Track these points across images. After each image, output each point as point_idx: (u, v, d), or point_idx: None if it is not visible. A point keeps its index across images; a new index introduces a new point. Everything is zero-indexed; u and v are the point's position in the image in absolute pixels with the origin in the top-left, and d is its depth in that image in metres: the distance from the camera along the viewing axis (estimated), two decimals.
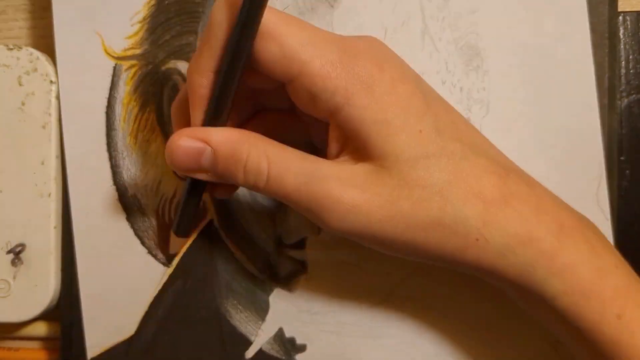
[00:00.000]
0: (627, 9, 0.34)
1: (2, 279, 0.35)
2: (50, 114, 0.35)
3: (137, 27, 0.35)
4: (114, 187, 0.35)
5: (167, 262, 0.35)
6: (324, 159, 0.27)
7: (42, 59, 0.36)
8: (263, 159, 0.26)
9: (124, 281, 0.35)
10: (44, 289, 0.35)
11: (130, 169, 0.36)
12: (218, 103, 0.27)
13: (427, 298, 0.33)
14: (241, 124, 0.31)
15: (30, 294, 0.35)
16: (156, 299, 0.35)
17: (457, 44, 0.34)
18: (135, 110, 0.35)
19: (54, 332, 0.37)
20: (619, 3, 0.34)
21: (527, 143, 0.33)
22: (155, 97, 0.35)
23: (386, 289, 0.34)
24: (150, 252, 0.35)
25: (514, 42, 0.33)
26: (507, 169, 0.27)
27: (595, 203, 0.33)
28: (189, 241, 0.35)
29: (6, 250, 0.35)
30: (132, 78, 0.35)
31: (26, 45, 0.36)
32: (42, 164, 0.35)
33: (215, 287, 0.35)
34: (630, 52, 0.34)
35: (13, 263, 0.35)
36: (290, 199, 0.27)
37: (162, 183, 0.35)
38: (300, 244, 0.34)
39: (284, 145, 0.27)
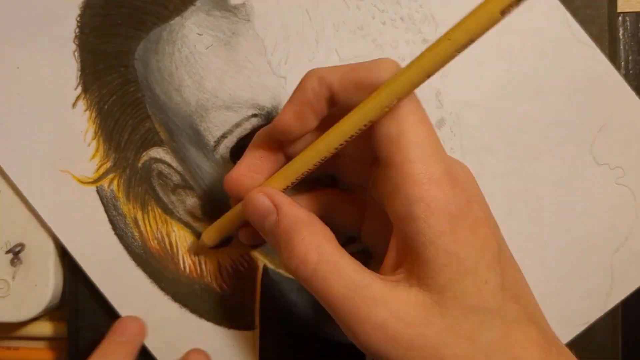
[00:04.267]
0: (627, 10, 0.35)
1: (1, 279, 0.35)
2: None
3: (94, 144, 0.35)
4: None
5: None
6: (376, 276, 0.25)
7: None
8: (314, 251, 0.26)
9: None
10: (43, 289, 0.35)
11: (163, 272, 0.35)
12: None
13: None
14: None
15: (30, 293, 0.35)
16: None
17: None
18: (140, 214, 0.35)
19: (55, 331, 0.37)
20: (619, 4, 0.34)
21: None
22: (149, 193, 0.35)
23: None
24: None
25: None
26: (550, 343, 0.26)
27: None
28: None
29: (5, 250, 0.35)
30: (118, 189, 0.35)
31: None
32: None
33: None
34: (630, 52, 0.35)
35: (12, 263, 0.35)
36: (329, 306, 0.25)
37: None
38: None
39: (341, 248, 0.26)
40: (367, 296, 0.24)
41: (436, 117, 0.34)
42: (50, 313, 0.37)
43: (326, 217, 0.29)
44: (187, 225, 0.35)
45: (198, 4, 0.35)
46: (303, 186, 0.30)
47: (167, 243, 0.35)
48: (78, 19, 0.35)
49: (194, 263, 0.35)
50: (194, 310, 0.35)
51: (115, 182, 0.35)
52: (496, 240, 0.25)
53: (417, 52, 0.34)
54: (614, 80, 0.34)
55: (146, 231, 0.35)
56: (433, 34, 0.34)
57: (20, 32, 0.35)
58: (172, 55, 0.35)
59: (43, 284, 0.35)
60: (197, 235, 0.35)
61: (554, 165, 0.34)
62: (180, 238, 0.35)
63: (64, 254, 0.36)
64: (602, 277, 0.34)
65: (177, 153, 0.35)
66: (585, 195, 0.34)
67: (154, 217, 0.35)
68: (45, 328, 0.38)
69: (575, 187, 0.34)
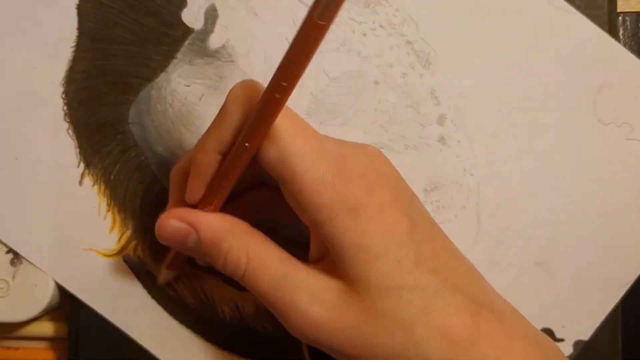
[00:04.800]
0: (627, 10, 0.35)
1: (1, 279, 0.35)
2: None
3: (109, 216, 0.35)
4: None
5: None
6: (302, 265, 0.27)
7: None
8: (243, 254, 0.27)
9: None
10: (43, 289, 0.35)
11: (206, 324, 0.36)
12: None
13: None
14: (234, 196, 0.32)
15: (30, 293, 0.35)
16: None
17: None
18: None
19: (55, 331, 0.38)
20: (619, 4, 0.34)
21: None
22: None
23: None
24: None
25: None
26: (480, 305, 0.26)
27: None
28: None
29: (5, 250, 0.35)
30: (144, 254, 0.35)
31: None
32: None
33: None
34: (630, 52, 0.35)
35: (12, 263, 0.35)
36: (261, 298, 0.27)
37: None
38: None
39: (268, 241, 0.28)
40: (290, 285, 0.26)
41: (436, 114, 0.34)
42: (50, 313, 0.37)
43: (267, 219, 0.31)
44: (218, 274, 0.35)
45: (179, 55, 0.35)
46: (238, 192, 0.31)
47: (202, 295, 0.35)
48: (63, 96, 0.35)
49: (232, 309, 0.35)
50: (244, 354, 0.35)
51: (140, 247, 0.35)
52: (407, 218, 0.26)
53: (403, 55, 0.35)
54: (602, 40, 0.34)
55: (180, 288, 0.35)
56: (415, 34, 0.34)
57: (11, 121, 0.35)
58: (165, 112, 0.35)
59: (43, 284, 0.35)
60: (227, 281, 0.35)
61: (561, 136, 0.34)
62: (214, 287, 0.35)
63: None
64: (633, 236, 0.34)
65: None
66: (599, 158, 0.34)
67: (185, 275, 0.35)
68: (45, 328, 0.37)
69: (588, 152, 0.34)
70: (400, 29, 0.34)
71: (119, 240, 0.35)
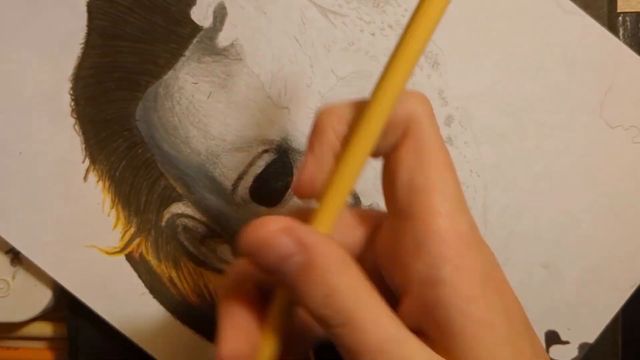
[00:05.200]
0: (627, 10, 0.35)
1: (1, 279, 0.35)
2: None
3: (113, 213, 0.35)
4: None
5: None
6: (410, 332, 0.21)
7: None
8: (351, 298, 0.20)
9: None
10: (43, 289, 0.36)
11: (210, 324, 0.35)
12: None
13: None
14: None
15: (29, 293, 0.35)
16: None
17: None
18: (174, 272, 0.35)
19: (55, 331, 0.37)
20: (619, 4, 0.35)
21: None
22: (179, 250, 0.35)
23: None
24: None
25: None
26: None
27: None
28: None
29: (5, 250, 0.36)
30: (147, 252, 0.35)
31: None
32: None
33: None
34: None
35: (12, 263, 0.36)
36: (354, 357, 0.20)
37: None
38: None
39: (377, 293, 0.21)
40: (405, 354, 0.20)
41: (443, 115, 0.34)
42: (50, 313, 0.37)
43: None
44: (222, 272, 0.35)
45: (187, 53, 0.35)
46: None
47: (207, 294, 0.35)
48: (71, 92, 0.35)
49: None
50: None
51: (143, 245, 0.35)
52: (521, 307, 0.22)
53: None
54: (610, 43, 0.34)
55: (184, 288, 0.35)
56: None
57: (17, 116, 0.35)
58: (173, 109, 0.35)
59: (43, 284, 0.35)
60: None
61: (568, 138, 0.34)
62: (218, 285, 0.35)
63: None
64: (639, 238, 0.34)
65: (198, 204, 0.35)
66: (605, 161, 0.34)
67: (189, 273, 0.35)
68: (45, 328, 0.38)
69: (595, 155, 0.34)
70: None
71: (122, 237, 0.35)
